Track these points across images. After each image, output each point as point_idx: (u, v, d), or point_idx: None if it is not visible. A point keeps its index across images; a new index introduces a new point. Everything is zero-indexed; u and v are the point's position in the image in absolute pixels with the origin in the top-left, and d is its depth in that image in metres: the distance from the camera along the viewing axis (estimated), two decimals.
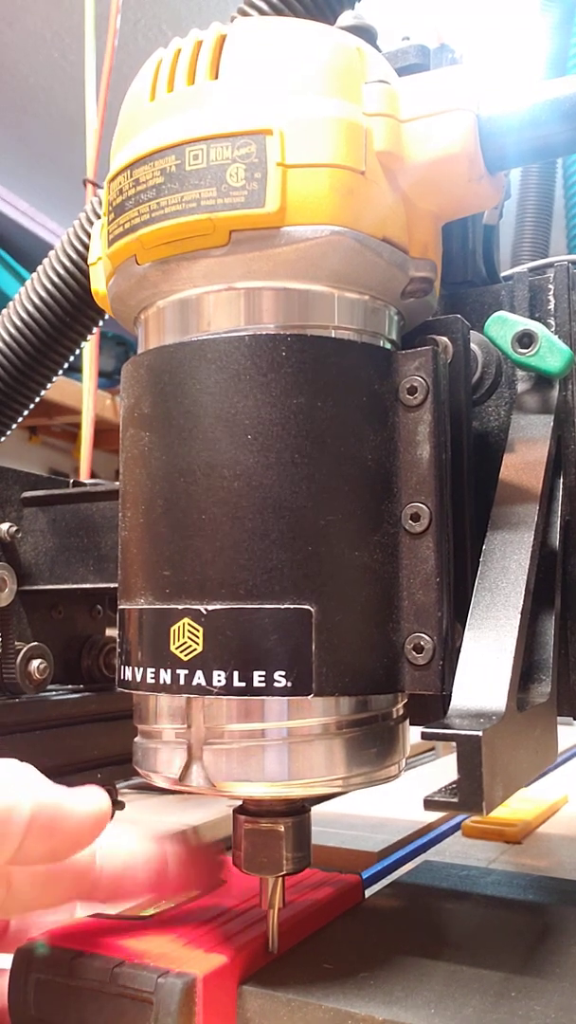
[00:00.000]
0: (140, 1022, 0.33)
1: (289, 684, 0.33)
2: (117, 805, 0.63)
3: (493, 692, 0.32)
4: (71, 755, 0.60)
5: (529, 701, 0.36)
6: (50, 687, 0.61)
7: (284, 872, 0.36)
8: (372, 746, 0.35)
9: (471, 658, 0.34)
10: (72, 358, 0.65)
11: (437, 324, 0.40)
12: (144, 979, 0.33)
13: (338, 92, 0.34)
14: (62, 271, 0.60)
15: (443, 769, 0.89)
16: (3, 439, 0.67)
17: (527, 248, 0.87)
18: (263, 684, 0.33)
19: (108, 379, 2.15)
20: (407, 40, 0.44)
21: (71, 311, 0.61)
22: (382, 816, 0.67)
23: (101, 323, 0.63)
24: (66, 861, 0.36)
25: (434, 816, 0.65)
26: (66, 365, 0.65)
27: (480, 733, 0.29)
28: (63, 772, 0.59)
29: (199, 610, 0.33)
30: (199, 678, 0.33)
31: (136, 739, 0.38)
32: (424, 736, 0.31)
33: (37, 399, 0.65)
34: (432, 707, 0.40)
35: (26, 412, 0.66)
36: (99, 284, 0.40)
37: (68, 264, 0.60)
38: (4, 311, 0.63)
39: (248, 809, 0.37)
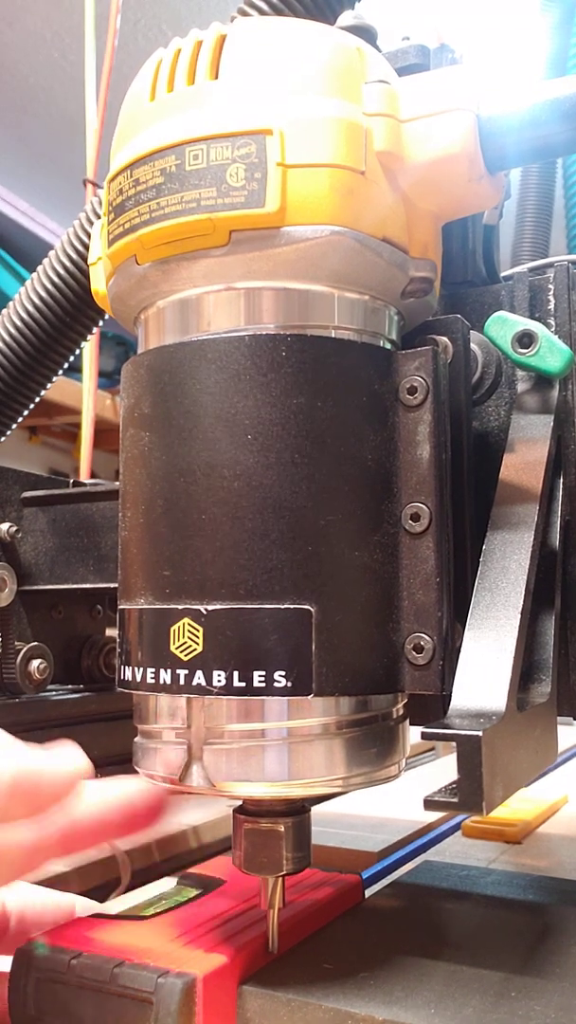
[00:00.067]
0: (140, 1022, 0.33)
1: (289, 684, 0.33)
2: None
3: (493, 692, 0.32)
4: None
5: (529, 701, 0.36)
6: (50, 687, 0.61)
7: (284, 872, 0.36)
8: (372, 746, 0.35)
9: (471, 658, 0.34)
10: (72, 358, 0.65)
11: (437, 324, 0.40)
12: (144, 979, 0.33)
13: (338, 92, 0.34)
14: (62, 271, 0.60)
15: (443, 769, 0.89)
16: (3, 439, 0.67)
17: (527, 248, 0.87)
18: (263, 684, 0.33)
19: (108, 379, 2.15)
20: (407, 40, 0.44)
21: (71, 311, 0.61)
22: (382, 816, 0.67)
23: (101, 323, 0.63)
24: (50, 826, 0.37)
25: (434, 816, 0.65)
26: (66, 365, 0.65)
27: (480, 733, 0.29)
28: None
29: (199, 610, 0.33)
30: (199, 678, 0.33)
31: (136, 739, 0.38)
32: (424, 736, 0.31)
33: (37, 399, 0.65)
34: (432, 707, 0.40)
35: (26, 412, 0.66)
36: (99, 284, 0.40)
37: (68, 264, 0.60)
38: (4, 311, 0.63)
39: (248, 809, 0.37)
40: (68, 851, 0.39)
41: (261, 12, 0.49)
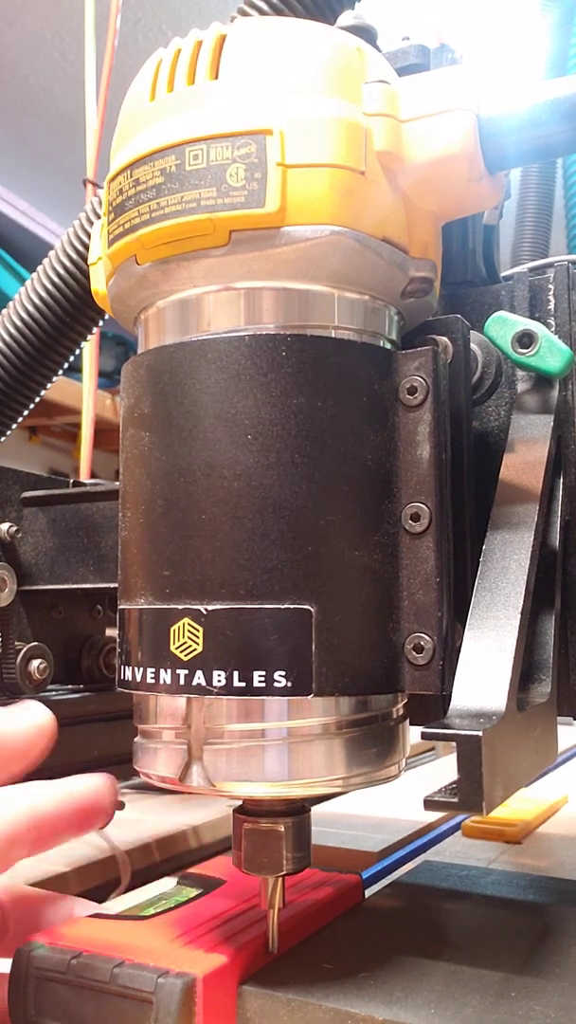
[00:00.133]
0: (140, 1022, 0.33)
1: (289, 684, 0.33)
2: (117, 805, 0.63)
3: (493, 692, 0.32)
4: (71, 755, 0.60)
5: (529, 701, 0.36)
6: (50, 687, 0.61)
7: (284, 872, 0.36)
8: (372, 746, 0.35)
9: (471, 658, 0.34)
10: (72, 358, 0.65)
11: (437, 324, 0.40)
12: (144, 979, 0.33)
13: (338, 92, 0.34)
14: (62, 271, 0.60)
15: (443, 769, 0.89)
16: (3, 439, 0.67)
17: (527, 248, 0.87)
18: (263, 684, 0.33)
19: (108, 379, 2.15)
20: (407, 40, 0.44)
21: (71, 311, 0.61)
22: (382, 816, 0.67)
23: (101, 323, 0.63)
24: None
25: (434, 816, 0.65)
26: (66, 365, 0.65)
27: (480, 733, 0.29)
28: (63, 772, 0.59)
29: (199, 610, 0.33)
30: (199, 678, 0.33)
31: (136, 739, 0.38)
32: (424, 736, 0.31)
33: (37, 399, 0.65)
34: (432, 707, 0.40)
35: (26, 412, 0.66)
36: (99, 284, 0.40)
37: (68, 264, 0.60)
38: (4, 311, 0.63)
39: (248, 809, 0.37)
40: (37, 847, 0.39)
41: (261, 12, 0.49)
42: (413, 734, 0.38)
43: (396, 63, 0.42)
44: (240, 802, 0.37)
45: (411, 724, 0.39)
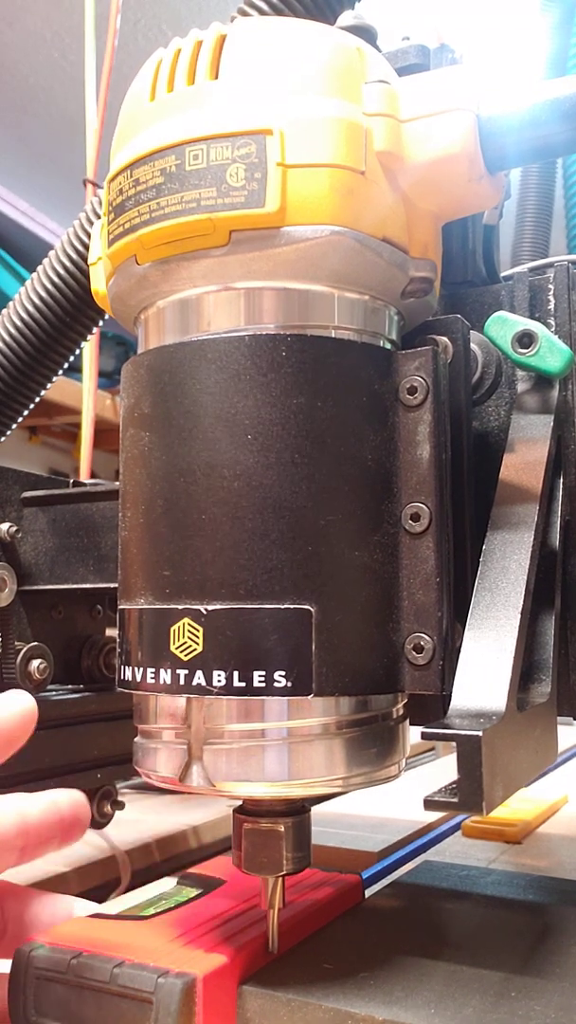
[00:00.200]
0: (140, 1022, 0.33)
1: (289, 684, 0.33)
2: (117, 805, 0.63)
3: (493, 692, 0.32)
4: (71, 755, 0.60)
5: (529, 701, 0.36)
6: (50, 687, 0.61)
7: (284, 872, 0.36)
8: (372, 746, 0.35)
9: (471, 658, 0.34)
10: (72, 358, 0.65)
11: (437, 324, 0.40)
12: (144, 979, 0.33)
13: (338, 92, 0.34)
14: (62, 271, 0.60)
15: (443, 769, 0.89)
16: (3, 439, 0.67)
17: (527, 248, 0.87)
18: (263, 684, 0.33)
19: (108, 379, 2.15)
20: (407, 40, 0.44)
21: (71, 311, 0.61)
22: (382, 816, 0.67)
23: (101, 323, 0.63)
24: None
25: (434, 816, 0.65)
26: (66, 365, 0.65)
27: (480, 733, 0.29)
28: (63, 772, 0.59)
29: (199, 610, 0.33)
30: (199, 678, 0.33)
31: (136, 739, 0.38)
32: (424, 736, 0.31)
33: (37, 399, 0.65)
34: (432, 707, 0.40)
35: (26, 412, 0.66)
36: (99, 284, 0.40)
37: (68, 264, 0.60)
38: (4, 311, 0.63)
39: (248, 809, 0.37)
40: (24, 856, 0.39)
41: (261, 12, 0.49)
42: (413, 734, 0.38)
43: (396, 63, 0.42)
44: (240, 802, 0.37)
45: (411, 724, 0.39)
